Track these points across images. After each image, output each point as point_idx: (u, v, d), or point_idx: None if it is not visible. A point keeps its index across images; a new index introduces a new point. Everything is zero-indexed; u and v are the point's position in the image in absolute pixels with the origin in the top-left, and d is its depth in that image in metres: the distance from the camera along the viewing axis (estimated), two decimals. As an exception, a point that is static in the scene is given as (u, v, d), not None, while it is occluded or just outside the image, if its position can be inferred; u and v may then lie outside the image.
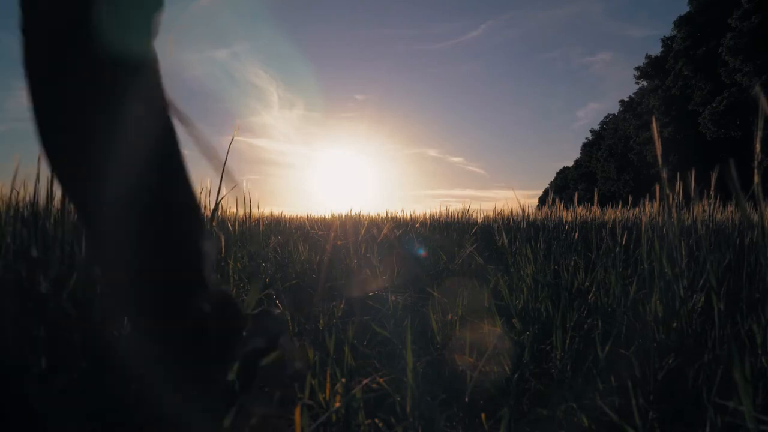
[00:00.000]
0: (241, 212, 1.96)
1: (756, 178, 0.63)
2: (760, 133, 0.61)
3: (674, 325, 0.87)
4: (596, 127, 42.74)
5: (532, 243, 1.67)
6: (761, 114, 0.57)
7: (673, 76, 23.25)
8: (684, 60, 22.27)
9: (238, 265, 1.56)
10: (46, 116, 0.55)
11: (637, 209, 5.18)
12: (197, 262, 0.60)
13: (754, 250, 1.12)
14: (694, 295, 0.97)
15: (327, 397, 0.69)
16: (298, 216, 5.03)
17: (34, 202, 0.90)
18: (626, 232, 1.79)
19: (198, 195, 0.62)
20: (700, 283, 1.00)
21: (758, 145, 0.63)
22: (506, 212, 4.61)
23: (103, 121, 0.54)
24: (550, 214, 4.35)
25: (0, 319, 0.68)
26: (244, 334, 0.67)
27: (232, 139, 0.97)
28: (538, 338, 1.05)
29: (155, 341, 0.57)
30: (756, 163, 0.65)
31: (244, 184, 2.20)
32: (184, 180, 0.61)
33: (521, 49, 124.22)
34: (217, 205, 1.11)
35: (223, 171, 0.90)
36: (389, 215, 5.26)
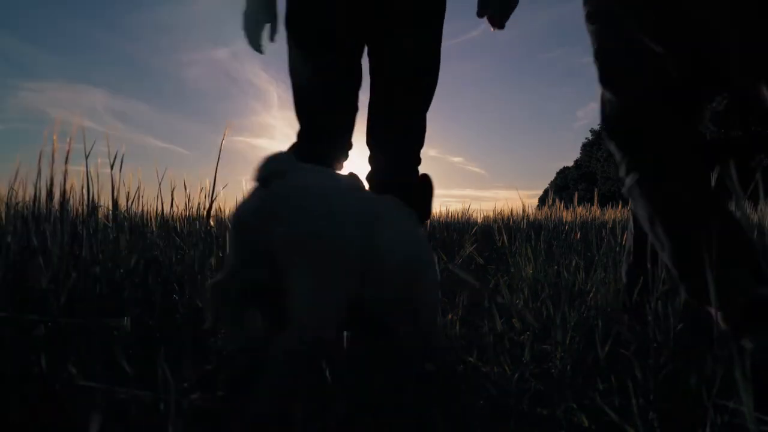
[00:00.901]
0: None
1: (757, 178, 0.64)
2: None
3: (674, 324, 0.87)
4: (596, 127, 42.76)
5: (532, 243, 1.67)
6: None
7: (673, 76, 23.26)
8: (684, 60, 22.27)
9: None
10: None
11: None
12: None
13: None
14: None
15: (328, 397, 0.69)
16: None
17: (35, 202, 0.90)
18: (626, 232, 1.79)
19: None
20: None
21: None
22: (506, 212, 4.61)
23: None
24: (550, 214, 4.35)
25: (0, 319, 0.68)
26: None
27: (223, 138, 0.96)
28: (538, 338, 1.05)
29: None
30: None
31: (243, 183, 2.20)
32: None
33: (522, 48, 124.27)
34: (211, 204, 1.11)
35: (216, 171, 0.91)
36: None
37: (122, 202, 1.19)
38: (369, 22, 1.03)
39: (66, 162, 0.91)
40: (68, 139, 0.89)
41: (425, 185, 0.86)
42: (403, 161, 1.11)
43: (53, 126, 0.86)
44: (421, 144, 1.14)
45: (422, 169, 1.12)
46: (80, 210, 0.99)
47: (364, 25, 1.04)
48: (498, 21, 1.18)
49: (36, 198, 0.91)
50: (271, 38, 1.03)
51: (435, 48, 1.12)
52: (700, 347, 0.81)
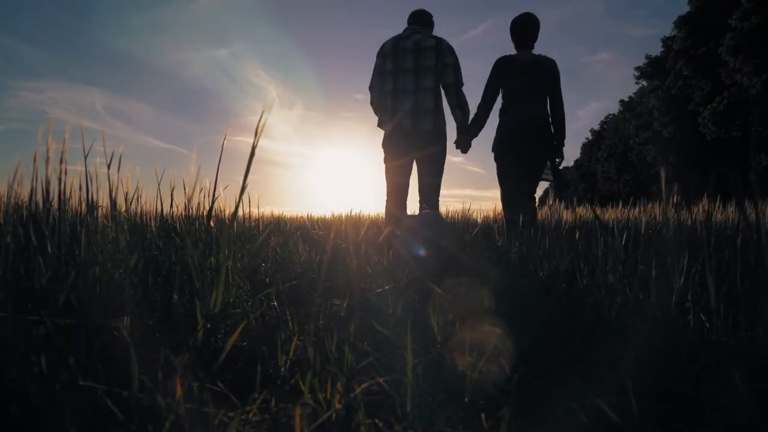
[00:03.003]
0: (240, 212, 1.96)
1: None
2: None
3: (674, 324, 0.87)
4: (596, 127, 42.81)
5: (533, 243, 1.67)
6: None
7: (673, 76, 23.26)
8: (684, 60, 22.28)
9: (238, 265, 1.57)
10: None
11: (637, 209, 5.19)
12: None
13: (754, 250, 1.12)
14: (694, 295, 0.97)
15: (327, 396, 0.69)
16: (298, 216, 5.03)
17: (31, 202, 0.90)
18: (626, 232, 1.79)
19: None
20: (692, 281, 1.00)
21: None
22: (506, 212, 4.60)
23: None
24: (551, 214, 4.38)
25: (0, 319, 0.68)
26: None
27: (224, 138, 0.97)
28: (538, 338, 1.05)
29: None
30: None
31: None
32: None
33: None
34: (212, 204, 1.11)
35: (218, 171, 0.90)
36: (389, 215, 5.25)
37: (121, 202, 1.19)
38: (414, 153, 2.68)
39: (61, 162, 0.91)
40: (64, 139, 0.89)
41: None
42: (431, 202, 2.72)
43: (48, 125, 0.85)
44: (438, 194, 2.75)
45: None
46: (79, 210, 0.99)
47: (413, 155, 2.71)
48: (462, 148, 2.80)
49: (32, 198, 0.91)
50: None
51: (442, 164, 2.72)
52: (700, 347, 0.81)
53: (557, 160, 2.75)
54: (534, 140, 2.67)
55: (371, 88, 2.76)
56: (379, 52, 2.71)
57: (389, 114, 2.63)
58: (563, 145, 2.73)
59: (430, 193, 2.69)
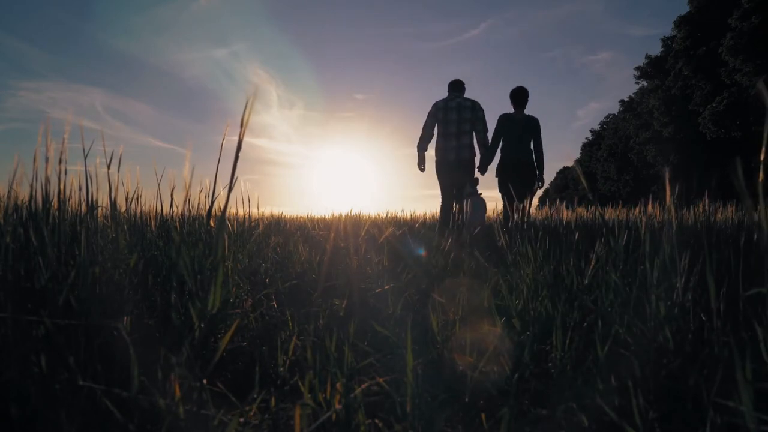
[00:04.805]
0: (240, 212, 1.96)
1: (761, 176, 0.63)
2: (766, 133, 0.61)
3: (674, 324, 0.87)
4: (596, 127, 42.80)
5: (532, 243, 1.67)
6: None
7: (673, 76, 23.24)
8: (684, 60, 22.26)
9: (238, 265, 1.56)
10: None
11: (637, 209, 5.19)
12: None
13: (755, 250, 1.12)
14: (694, 295, 0.96)
15: (327, 396, 0.69)
16: (299, 216, 5.03)
17: (31, 202, 0.90)
18: (626, 232, 1.79)
19: None
20: (692, 281, 1.00)
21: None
22: (506, 212, 4.62)
23: None
24: (550, 214, 4.44)
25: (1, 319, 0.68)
26: None
27: (223, 138, 0.96)
28: (538, 338, 1.05)
29: None
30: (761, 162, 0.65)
31: (243, 184, 2.20)
32: None
33: (522, 47, 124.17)
34: (212, 204, 1.11)
35: (217, 171, 0.90)
36: (389, 215, 5.27)
37: (121, 202, 1.19)
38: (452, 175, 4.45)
39: (61, 162, 0.91)
40: (63, 138, 0.89)
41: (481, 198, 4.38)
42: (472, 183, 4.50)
43: (46, 124, 0.85)
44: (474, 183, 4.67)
45: (426, 169, 4.54)
46: (79, 210, 0.98)
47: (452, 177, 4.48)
48: (482, 172, 4.52)
49: (32, 198, 0.90)
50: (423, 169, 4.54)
51: (471, 176, 4.50)
52: (700, 347, 0.81)
53: (539, 183, 4.36)
54: (523, 171, 4.27)
55: (423, 128, 4.42)
56: (432, 106, 4.38)
57: (440, 148, 4.32)
58: (543, 174, 4.36)
59: (470, 183, 4.56)
